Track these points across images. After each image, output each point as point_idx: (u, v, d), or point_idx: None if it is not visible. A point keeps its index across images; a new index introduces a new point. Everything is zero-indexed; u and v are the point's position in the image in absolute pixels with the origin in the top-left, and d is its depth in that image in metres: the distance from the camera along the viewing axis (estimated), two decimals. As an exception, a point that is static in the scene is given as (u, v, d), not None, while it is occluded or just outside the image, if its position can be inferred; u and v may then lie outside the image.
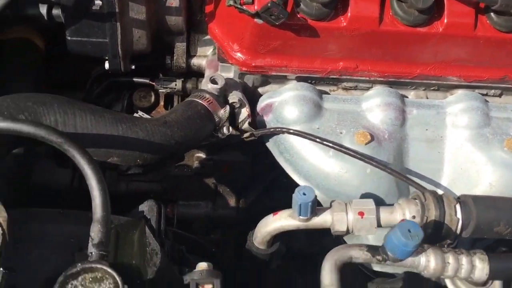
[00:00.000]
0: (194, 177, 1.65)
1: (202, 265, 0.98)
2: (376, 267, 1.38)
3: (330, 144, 1.26)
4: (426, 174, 1.35)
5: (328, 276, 0.93)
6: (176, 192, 1.65)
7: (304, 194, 1.04)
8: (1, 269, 0.98)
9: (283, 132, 1.32)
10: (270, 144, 1.39)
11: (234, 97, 1.32)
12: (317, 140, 1.27)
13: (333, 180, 1.29)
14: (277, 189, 1.82)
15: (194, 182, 1.66)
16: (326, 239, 1.75)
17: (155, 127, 1.16)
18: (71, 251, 1.06)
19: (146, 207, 1.18)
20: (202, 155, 1.63)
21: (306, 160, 1.32)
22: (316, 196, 1.05)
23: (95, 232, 0.92)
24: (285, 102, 1.34)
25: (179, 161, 1.65)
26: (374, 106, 1.34)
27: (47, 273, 1.03)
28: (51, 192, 1.54)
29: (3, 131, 0.93)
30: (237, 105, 1.33)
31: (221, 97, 1.32)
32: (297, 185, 1.80)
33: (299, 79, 1.36)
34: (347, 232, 1.10)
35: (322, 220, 1.10)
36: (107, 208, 0.94)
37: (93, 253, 0.90)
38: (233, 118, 1.36)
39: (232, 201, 1.73)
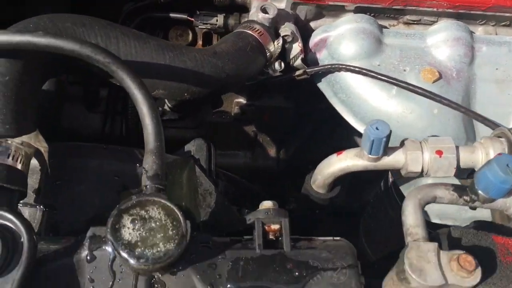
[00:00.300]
0: (233, 124, 1.54)
1: (267, 204, 0.87)
2: (435, 219, 1.27)
3: (395, 82, 1.13)
4: (494, 118, 1.22)
5: (412, 216, 0.82)
6: (213, 140, 1.53)
7: (377, 128, 0.92)
8: (42, 206, 0.89)
9: (340, 69, 1.19)
10: (322, 84, 1.27)
11: (287, 29, 1.20)
12: (381, 77, 1.14)
13: (395, 122, 1.17)
14: (319, 141, 1.71)
15: (232, 129, 1.55)
16: (367, 196, 1.65)
17: (205, 57, 1.03)
18: (116, 190, 0.96)
19: (194, 146, 1.07)
20: (242, 100, 1.51)
21: (364, 100, 1.20)
22: (391, 132, 0.93)
23: (149, 163, 0.81)
24: (342, 36, 1.21)
25: (217, 107, 1.54)
26: (441, 41, 1.21)
27: (90, 212, 0.93)
28: (81, 138, 1.43)
29: (44, 47, 0.81)
30: (289, 39, 1.20)
31: (272, 29, 1.19)
32: (342, 135, 1.71)
33: (358, 10, 1.23)
34: (421, 174, 0.99)
35: (394, 159, 0.98)
36: (160, 137, 0.83)
37: (148, 186, 0.79)
38: (282, 54, 1.23)
39: (272, 151, 1.62)
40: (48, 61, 0.91)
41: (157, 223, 0.75)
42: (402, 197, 1.29)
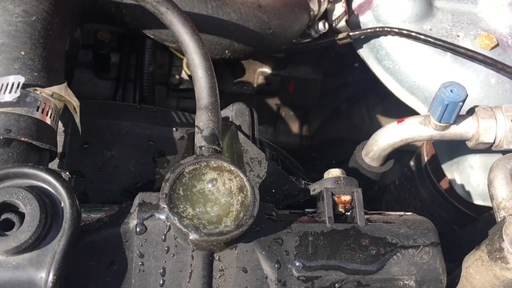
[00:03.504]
0: (255, 96, 1.43)
1: (335, 172, 0.76)
2: (478, 201, 1.18)
3: (453, 47, 1.03)
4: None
5: (504, 188, 0.72)
6: (233, 113, 1.42)
7: (452, 91, 0.82)
8: (67, 173, 0.76)
9: (389, 33, 1.09)
10: (364, 51, 1.16)
11: (331, -14, 1.08)
12: (436, 41, 1.04)
13: (448, 92, 1.06)
14: (337, 119, 1.61)
15: (254, 102, 1.43)
16: (388, 178, 1.54)
17: (250, 10, 0.91)
18: (151, 155, 0.84)
19: (233, 112, 0.95)
20: (267, 69, 1.40)
21: (413, 67, 1.09)
22: (467, 96, 0.83)
23: (204, 121, 0.69)
24: (390, -3, 1.10)
25: (238, 77, 1.42)
26: (496, 5, 1.11)
27: (124, 181, 0.81)
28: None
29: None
30: (333, -2, 1.09)
31: (316, -14, 1.08)
32: (361, 114, 1.61)
33: (407, -31, 1.12)
34: (492, 144, 0.89)
35: (463, 129, 0.88)
36: (216, 92, 0.71)
37: (203, 148, 0.67)
38: (324, 16, 1.12)
39: (295, 127, 1.51)
40: (80, 4, 0.78)
41: (220, 191, 0.64)
42: (439, 177, 1.20)
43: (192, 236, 0.60)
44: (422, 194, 1.30)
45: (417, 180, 1.31)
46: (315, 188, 0.75)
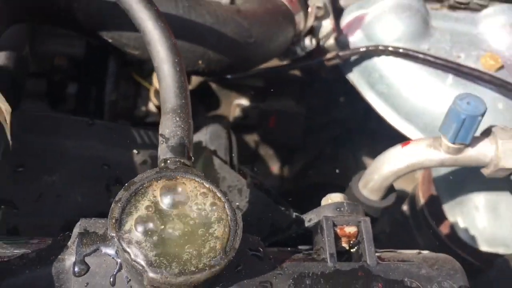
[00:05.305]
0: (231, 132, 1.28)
1: (336, 196, 0.60)
2: (484, 246, 1.04)
3: (457, 66, 0.92)
4: None
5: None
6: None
7: (469, 103, 0.69)
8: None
9: (383, 53, 0.97)
10: (354, 75, 1.04)
11: (319, 0, 0.97)
12: (437, 60, 0.92)
13: (451, 118, 0.94)
14: (324, 161, 1.48)
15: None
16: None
17: (227, 13, 0.78)
18: (104, 183, 0.67)
19: (207, 135, 0.80)
20: (244, 102, 1.27)
21: (411, 91, 0.97)
22: (486, 109, 0.69)
23: (171, 128, 0.53)
24: (383, 14, 0.99)
25: (212, 109, 1.28)
26: (498, 27, 1.01)
27: (67, 214, 0.63)
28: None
29: None
30: (320, 13, 0.97)
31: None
32: (347, 157, 1.48)
33: (400, -14, 1.02)
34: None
35: (479, 152, 0.74)
36: (186, 93, 0.56)
37: (169, 161, 0.51)
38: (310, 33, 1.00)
39: (275, 168, 1.36)
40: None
41: (190, 215, 0.47)
42: (439, 221, 1.07)
43: (151, 274, 0.43)
44: (419, 243, 1.15)
45: (412, 227, 1.17)
46: (310, 218, 0.59)
